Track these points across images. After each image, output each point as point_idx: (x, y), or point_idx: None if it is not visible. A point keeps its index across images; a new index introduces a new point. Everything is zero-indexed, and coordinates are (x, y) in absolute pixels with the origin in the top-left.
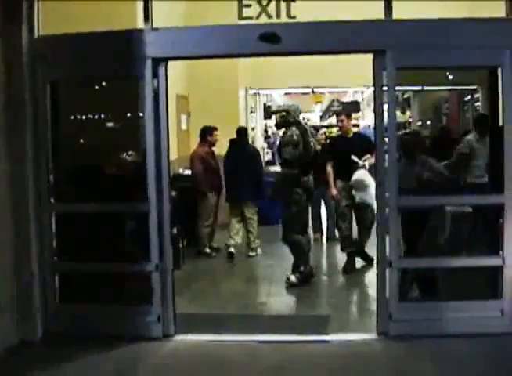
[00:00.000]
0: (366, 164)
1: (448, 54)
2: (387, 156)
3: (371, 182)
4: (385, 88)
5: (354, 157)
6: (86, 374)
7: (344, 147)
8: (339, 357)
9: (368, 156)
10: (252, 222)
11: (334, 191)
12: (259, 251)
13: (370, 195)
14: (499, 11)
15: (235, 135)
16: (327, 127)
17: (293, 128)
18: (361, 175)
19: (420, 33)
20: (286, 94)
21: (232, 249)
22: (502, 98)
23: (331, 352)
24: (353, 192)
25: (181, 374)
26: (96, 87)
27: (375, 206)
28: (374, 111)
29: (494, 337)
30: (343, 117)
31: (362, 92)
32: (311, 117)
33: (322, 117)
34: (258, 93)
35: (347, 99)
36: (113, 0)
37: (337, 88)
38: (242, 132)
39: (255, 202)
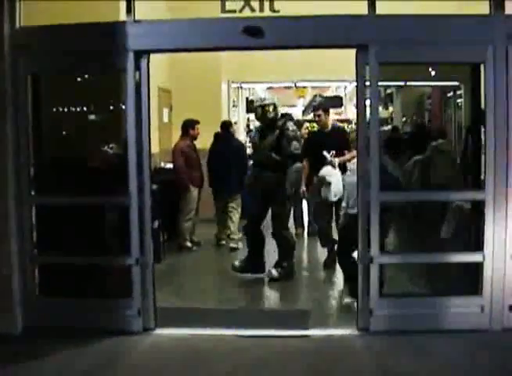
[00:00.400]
0: (336, 160)
1: (431, 50)
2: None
3: (334, 180)
4: (368, 83)
5: (325, 153)
6: (65, 368)
7: (320, 143)
8: (319, 352)
9: (347, 153)
10: (235, 213)
11: (303, 187)
12: (240, 244)
13: (333, 192)
14: (483, 8)
15: (218, 129)
16: (310, 121)
17: (291, 123)
18: (324, 171)
19: (403, 28)
20: (268, 88)
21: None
22: (484, 94)
23: (311, 346)
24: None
25: (161, 367)
26: (78, 79)
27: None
28: (356, 106)
29: (474, 333)
30: (320, 111)
31: (345, 87)
32: (294, 111)
33: (304, 112)
34: (241, 87)
35: (329, 93)
36: None
37: (320, 82)
38: (227, 126)
39: (239, 194)
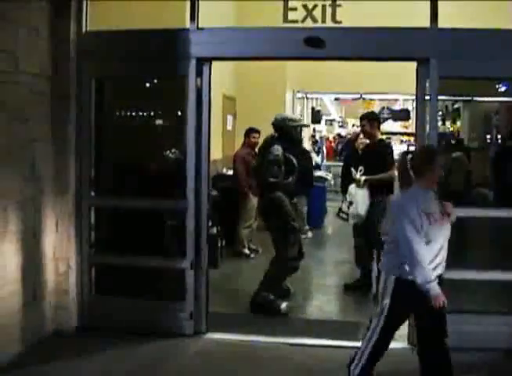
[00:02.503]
0: (362, 178)
1: (492, 65)
2: None
3: (357, 199)
4: (428, 97)
5: (352, 169)
6: (114, 368)
7: (358, 157)
8: None
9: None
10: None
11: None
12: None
13: (351, 214)
14: None
15: None
16: None
17: (277, 146)
18: (349, 190)
19: (465, 42)
20: (336, 99)
21: None
22: None
23: None
24: None
25: (209, 371)
26: (142, 84)
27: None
28: (416, 120)
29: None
30: (364, 121)
31: (413, 101)
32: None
33: None
34: (306, 97)
35: (397, 106)
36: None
37: (387, 94)
38: None
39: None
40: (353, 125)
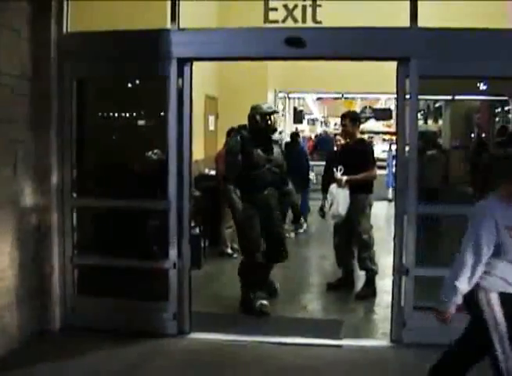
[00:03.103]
0: (343, 178)
1: (472, 64)
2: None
3: (339, 199)
4: (408, 96)
5: (335, 169)
6: (98, 368)
7: (337, 157)
8: (351, 362)
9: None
10: None
11: None
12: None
13: (331, 213)
14: None
15: None
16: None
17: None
18: (330, 189)
19: (445, 41)
20: (318, 99)
21: None
22: None
23: (344, 356)
24: None
25: (193, 371)
26: (123, 85)
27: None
28: (397, 119)
29: None
30: (346, 120)
31: (395, 100)
32: None
33: None
34: (288, 96)
35: (379, 106)
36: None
37: (368, 94)
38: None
39: None
40: (335, 124)
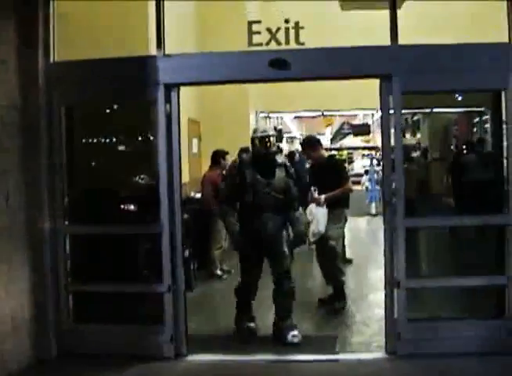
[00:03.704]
0: (321, 197)
1: (452, 78)
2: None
3: (318, 217)
4: (391, 111)
5: (312, 189)
6: None
7: (310, 177)
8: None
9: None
10: None
11: None
12: None
13: (311, 231)
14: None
15: None
16: (337, 149)
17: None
18: (308, 209)
19: (425, 58)
20: (296, 117)
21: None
22: (506, 120)
23: (341, 371)
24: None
25: None
26: (111, 112)
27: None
28: (382, 135)
29: (499, 356)
30: (307, 149)
31: (373, 115)
32: (322, 139)
33: (332, 140)
34: (269, 116)
35: (357, 121)
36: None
37: (347, 111)
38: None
39: None
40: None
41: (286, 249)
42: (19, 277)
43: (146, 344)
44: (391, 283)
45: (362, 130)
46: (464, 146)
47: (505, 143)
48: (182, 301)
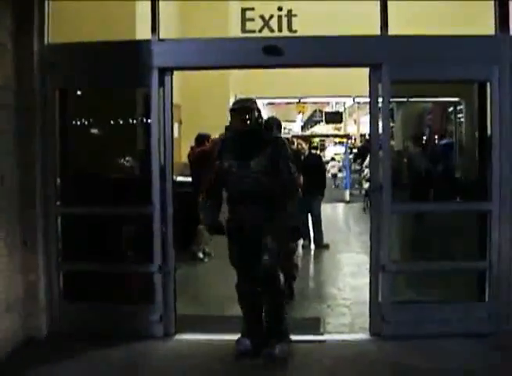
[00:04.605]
0: None
1: (441, 68)
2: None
3: None
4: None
5: None
6: (88, 372)
7: None
8: (337, 356)
9: None
10: None
11: None
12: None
13: None
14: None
15: None
16: (309, 136)
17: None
18: None
19: (415, 48)
20: (269, 104)
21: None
22: (490, 111)
23: (328, 351)
24: None
25: (181, 371)
26: (103, 95)
27: None
28: (370, 122)
29: (482, 337)
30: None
31: (344, 103)
32: (294, 126)
33: (303, 127)
34: None
35: (329, 109)
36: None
37: (323, 97)
38: None
39: None
40: (284, 128)
41: (273, 245)
42: (11, 258)
43: (136, 323)
44: (375, 266)
45: (335, 118)
46: (437, 136)
47: (489, 133)
48: (171, 281)
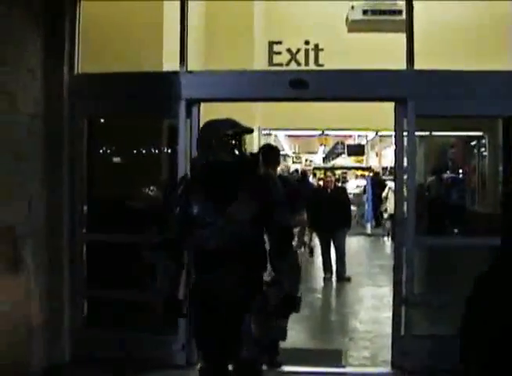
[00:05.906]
0: None
1: (465, 104)
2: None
3: None
4: (405, 133)
5: None
6: None
7: None
8: None
9: None
10: None
11: None
12: None
13: None
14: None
15: None
16: (330, 169)
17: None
18: None
19: (441, 83)
20: (289, 136)
21: None
22: None
23: None
24: None
25: None
26: (131, 125)
27: None
28: (395, 156)
29: None
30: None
31: (366, 136)
32: (315, 158)
33: (325, 159)
34: (270, 133)
35: (351, 142)
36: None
37: (344, 131)
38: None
39: None
40: (306, 160)
41: (256, 331)
42: (36, 284)
43: (159, 352)
44: (398, 299)
45: (357, 150)
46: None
47: None
48: None
